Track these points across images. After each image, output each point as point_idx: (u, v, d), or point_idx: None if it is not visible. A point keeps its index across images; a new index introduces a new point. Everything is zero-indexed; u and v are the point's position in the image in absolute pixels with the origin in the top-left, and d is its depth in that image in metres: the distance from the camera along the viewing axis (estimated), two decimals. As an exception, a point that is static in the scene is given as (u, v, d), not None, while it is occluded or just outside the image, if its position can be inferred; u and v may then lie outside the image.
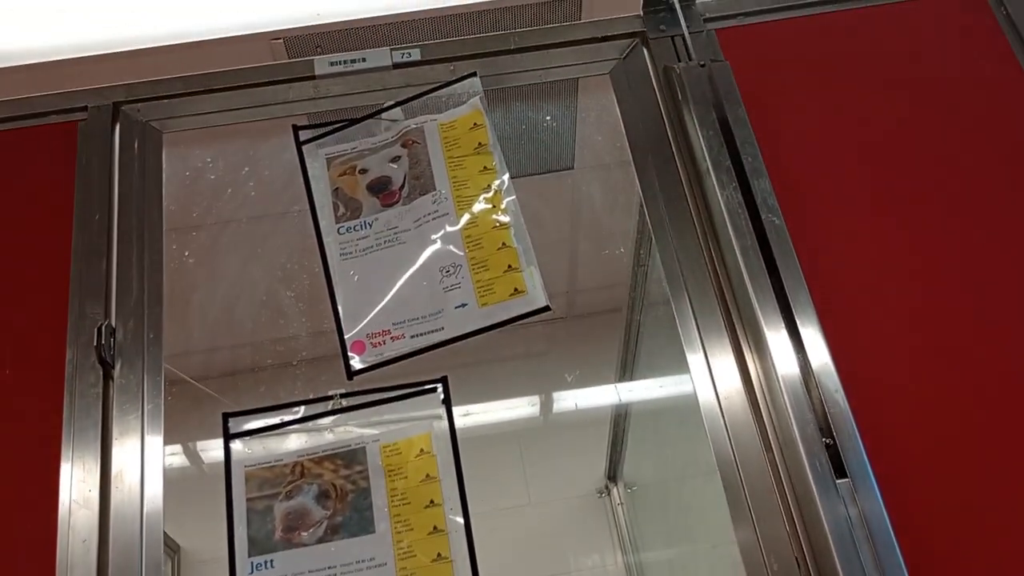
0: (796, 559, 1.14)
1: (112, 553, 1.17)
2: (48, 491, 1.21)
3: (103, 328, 1.30)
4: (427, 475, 1.21)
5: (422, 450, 1.22)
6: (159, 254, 1.40)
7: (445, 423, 1.24)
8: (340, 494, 1.21)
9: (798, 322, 1.23)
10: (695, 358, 1.28)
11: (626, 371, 2.46)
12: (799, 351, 1.21)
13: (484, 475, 1.23)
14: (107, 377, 1.29)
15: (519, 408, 3.01)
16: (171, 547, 2.81)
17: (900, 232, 1.38)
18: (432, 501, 1.19)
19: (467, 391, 1.30)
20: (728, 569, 1.58)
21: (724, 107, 1.41)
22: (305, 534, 1.18)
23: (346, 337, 1.30)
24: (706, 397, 1.26)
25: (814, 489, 1.11)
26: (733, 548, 1.20)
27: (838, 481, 1.12)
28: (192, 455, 2.97)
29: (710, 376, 1.27)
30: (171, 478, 1.25)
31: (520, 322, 1.29)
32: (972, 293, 1.33)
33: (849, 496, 1.12)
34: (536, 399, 2.98)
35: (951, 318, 1.31)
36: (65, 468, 1.23)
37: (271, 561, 1.17)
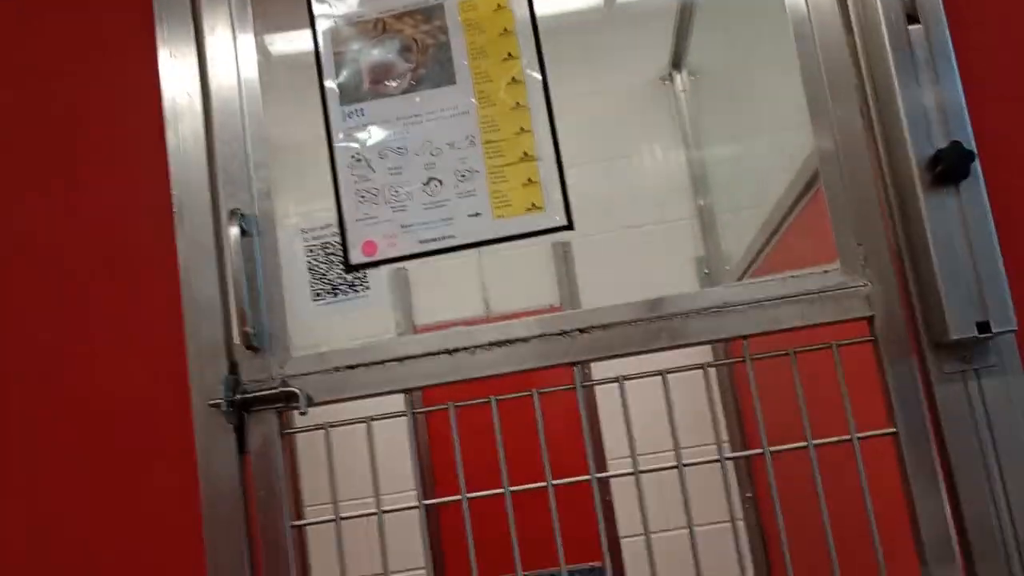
0: (870, 145, 1.17)
1: (216, 138, 1.26)
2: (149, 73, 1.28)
3: None
4: (504, 29, 1.24)
5: (499, 5, 1.25)
6: None
7: (519, -22, 1.25)
8: (421, 48, 1.26)
9: None
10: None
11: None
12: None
13: (547, 62, 1.25)
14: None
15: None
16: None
17: None
18: (510, 54, 1.24)
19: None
20: (789, 161, 1.64)
21: None
22: (391, 85, 1.26)
23: None
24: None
25: (894, 76, 1.12)
26: (798, 138, 1.22)
27: (920, 74, 1.12)
28: (265, 50, 3.02)
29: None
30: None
31: None
32: None
33: (929, 83, 1.12)
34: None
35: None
36: (163, 54, 1.29)
37: (361, 110, 1.25)
